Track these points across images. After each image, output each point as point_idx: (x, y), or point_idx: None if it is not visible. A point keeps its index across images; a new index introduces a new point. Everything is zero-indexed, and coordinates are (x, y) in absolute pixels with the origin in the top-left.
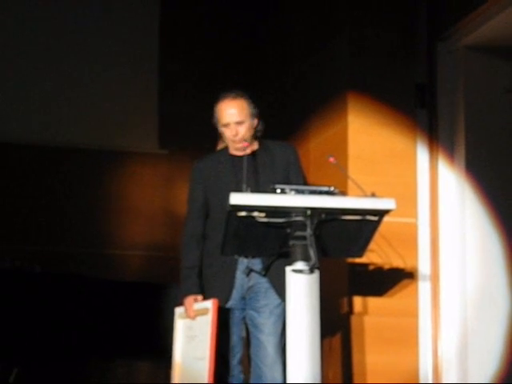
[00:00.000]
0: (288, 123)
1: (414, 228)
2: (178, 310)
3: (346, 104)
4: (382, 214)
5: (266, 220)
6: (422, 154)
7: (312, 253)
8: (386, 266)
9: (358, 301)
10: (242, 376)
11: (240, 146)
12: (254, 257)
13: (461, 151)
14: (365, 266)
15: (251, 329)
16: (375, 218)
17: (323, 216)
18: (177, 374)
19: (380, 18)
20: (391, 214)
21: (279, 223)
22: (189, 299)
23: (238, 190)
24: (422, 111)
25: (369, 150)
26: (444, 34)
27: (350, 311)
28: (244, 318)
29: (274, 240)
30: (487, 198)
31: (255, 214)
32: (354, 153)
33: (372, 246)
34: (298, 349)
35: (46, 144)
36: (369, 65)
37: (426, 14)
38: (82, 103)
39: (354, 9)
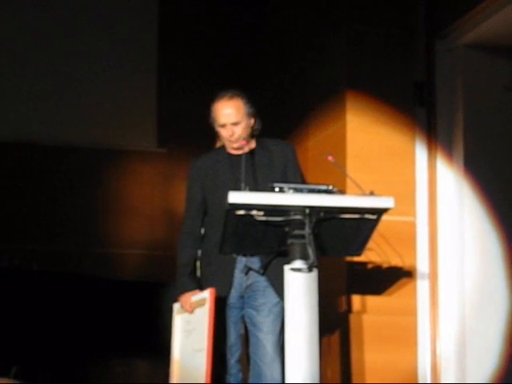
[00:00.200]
0: (286, 121)
1: (412, 226)
2: (176, 306)
3: (345, 102)
4: (380, 212)
5: (264, 219)
6: (421, 153)
7: (310, 251)
8: (385, 265)
9: (356, 299)
10: (240, 375)
11: (237, 145)
12: (252, 255)
13: (459, 149)
14: (363, 264)
15: (250, 327)
16: (374, 217)
17: (322, 214)
18: (175, 371)
19: (378, 16)
20: (390, 212)
21: (278, 222)
22: (185, 296)
23: (237, 188)
24: (420, 109)
25: (367, 149)
26: (443, 32)
27: (349, 310)
28: (243, 317)
29: (272, 239)
30: (486, 197)
31: (254, 212)
32: (352, 151)
33: (370, 244)
34: (296, 347)
35: (45, 143)
36: (367, 63)
37: (424, 12)
38: (80, 102)
39: (352, 6)
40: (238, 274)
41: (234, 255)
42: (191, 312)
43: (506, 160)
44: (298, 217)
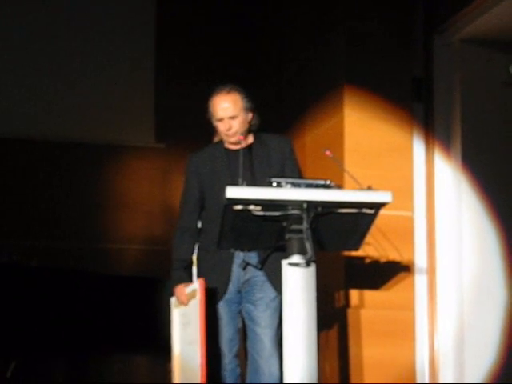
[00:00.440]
0: (285, 116)
1: (410, 221)
2: (173, 300)
3: (343, 97)
4: (378, 207)
5: (262, 213)
6: (419, 148)
7: (308, 246)
8: (383, 260)
9: (354, 294)
10: (238, 369)
11: (234, 140)
12: (250, 250)
13: (457, 144)
14: (361, 259)
15: (248, 322)
16: (371, 211)
17: (319, 209)
18: (176, 365)
19: (377, 12)
20: (387, 207)
21: (275, 217)
22: (179, 287)
23: (234, 183)
24: (418, 105)
25: (365, 144)
26: (440, 27)
27: (347, 304)
28: (240, 312)
29: (270, 233)
30: (483, 192)
31: (251, 207)
32: (350, 146)
33: (368, 239)
34: (294, 342)
35: (43, 139)
36: (365, 58)
37: (422, 8)
38: (78, 98)
39: (350, 3)
40: (236, 269)
41: (232, 250)
42: (186, 304)
43: (504, 155)
44: (296, 211)
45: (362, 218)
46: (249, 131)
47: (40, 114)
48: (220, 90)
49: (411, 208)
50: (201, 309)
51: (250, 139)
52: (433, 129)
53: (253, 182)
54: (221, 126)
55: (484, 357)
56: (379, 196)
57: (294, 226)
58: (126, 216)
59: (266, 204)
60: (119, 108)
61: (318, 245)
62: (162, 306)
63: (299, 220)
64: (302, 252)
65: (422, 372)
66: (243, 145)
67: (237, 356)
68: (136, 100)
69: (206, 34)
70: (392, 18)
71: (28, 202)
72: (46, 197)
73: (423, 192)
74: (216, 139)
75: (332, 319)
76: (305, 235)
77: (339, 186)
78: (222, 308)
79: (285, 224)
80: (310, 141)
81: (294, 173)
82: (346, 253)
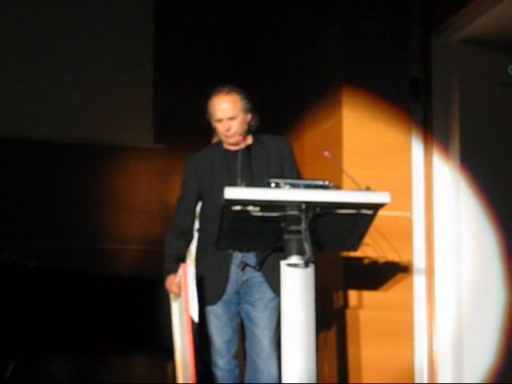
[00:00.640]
0: (283, 117)
1: (408, 222)
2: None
3: (341, 98)
4: (376, 207)
5: (260, 214)
6: (417, 148)
7: (307, 247)
8: (381, 260)
9: (352, 295)
10: (237, 370)
11: (233, 140)
12: (248, 251)
13: (455, 145)
14: (360, 259)
15: (246, 323)
16: (370, 212)
17: (318, 210)
18: (178, 362)
19: (375, 12)
20: (386, 207)
21: (274, 217)
22: (169, 278)
23: (232, 184)
24: (416, 105)
25: (363, 144)
26: (438, 27)
27: (345, 305)
28: (239, 313)
29: (268, 234)
30: (482, 192)
31: (250, 208)
32: (348, 147)
33: (367, 239)
34: (293, 343)
35: (42, 139)
36: (363, 59)
37: (420, 8)
38: (77, 99)
39: (348, 3)
40: (234, 270)
41: (230, 251)
42: (179, 294)
43: (502, 155)
44: (295, 212)
45: (360, 218)
46: (248, 132)
47: (39, 115)
48: (219, 91)
49: (410, 208)
50: (184, 292)
51: (249, 140)
52: (431, 129)
53: (251, 182)
54: (220, 127)
55: (483, 357)
56: (378, 197)
57: (293, 227)
58: (125, 216)
59: (265, 205)
60: (118, 109)
61: (317, 245)
62: (161, 306)
63: (298, 221)
64: (301, 253)
65: (421, 372)
66: (242, 146)
67: (235, 357)
68: (135, 101)
69: (205, 36)
70: (390, 18)
71: (27, 203)
72: (45, 197)
73: (422, 192)
74: (214, 140)
75: (331, 320)
76: (303, 236)
77: (338, 187)
78: (221, 309)
79: (283, 225)
80: (308, 141)
81: (293, 174)
82: (345, 253)
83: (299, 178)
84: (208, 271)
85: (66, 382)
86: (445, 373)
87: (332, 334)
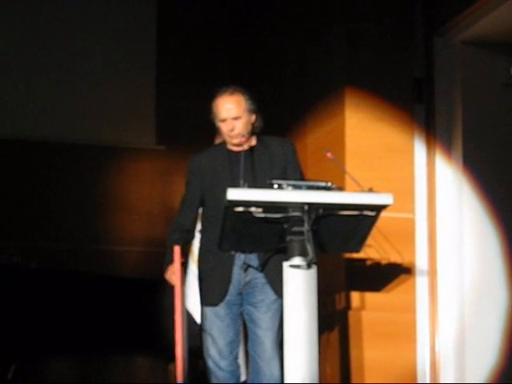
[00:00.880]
0: (285, 118)
1: (411, 223)
2: None
3: (344, 99)
4: (379, 209)
5: (263, 215)
6: (420, 149)
7: (309, 248)
8: (384, 262)
9: (355, 296)
10: (239, 371)
11: (237, 141)
12: (251, 252)
13: (458, 146)
14: (362, 261)
15: (249, 324)
16: (373, 213)
17: (320, 211)
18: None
19: (377, 13)
20: (388, 209)
21: (276, 218)
22: (169, 269)
23: (235, 185)
24: (419, 106)
25: (366, 145)
26: (441, 28)
27: (348, 306)
28: (241, 314)
29: (271, 235)
30: (484, 193)
31: (252, 209)
32: (351, 148)
33: (369, 241)
34: (295, 344)
35: (43, 140)
36: (366, 60)
37: (423, 9)
38: (79, 99)
39: (351, 3)
40: (237, 271)
41: (233, 252)
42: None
43: (505, 156)
44: (297, 213)
45: (363, 220)
46: (251, 133)
47: (40, 116)
48: (224, 91)
49: (412, 210)
50: (176, 274)
51: (253, 141)
52: (434, 130)
53: (254, 184)
54: (224, 127)
55: (485, 358)
56: (380, 198)
57: (295, 228)
58: (127, 218)
59: (267, 206)
60: (120, 110)
61: (319, 247)
62: (162, 308)
63: (300, 222)
64: (303, 254)
65: (423, 374)
66: (245, 147)
67: (238, 358)
68: (137, 102)
69: (207, 37)
70: (393, 19)
71: (28, 204)
72: (46, 198)
73: (424, 194)
74: (217, 141)
75: (333, 321)
76: (306, 237)
77: (340, 188)
78: (223, 310)
79: (286, 226)
80: (311, 143)
81: (296, 176)
82: (347, 255)
83: (302, 179)
84: (210, 272)
85: (68, 383)
86: (447, 374)
87: (334, 336)
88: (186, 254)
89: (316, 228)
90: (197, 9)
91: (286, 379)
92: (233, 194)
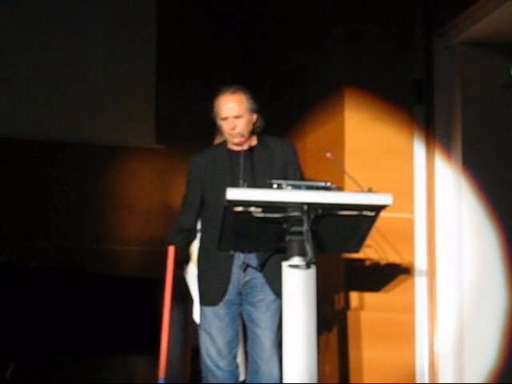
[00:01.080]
0: (285, 118)
1: (410, 223)
2: None
3: (343, 99)
4: (378, 209)
5: (262, 215)
6: (419, 150)
7: (308, 248)
8: (383, 262)
9: (354, 296)
10: (237, 371)
11: (237, 140)
12: (250, 252)
13: (458, 147)
14: (361, 261)
15: (248, 324)
16: (372, 214)
17: (320, 211)
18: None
19: (377, 14)
20: (388, 209)
21: (276, 218)
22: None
23: (235, 185)
24: (419, 107)
25: (366, 146)
26: (441, 29)
27: (347, 306)
28: (240, 313)
29: (270, 235)
30: (484, 194)
31: (252, 209)
32: (350, 148)
33: (368, 241)
34: (294, 344)
35: (44, 139)
36: (366, 60)
37: (422, 10)
38: (78, 98)
39: (351, 4)
40: (236, 271)
41: (232, 252)
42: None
43: (504, 157)
44: (296, 213)
45: (362, 220)
46: (252, 133)
47: (40, 115)
48: (226, 90)
49: (411, 210)
50: (168, 274)
51: (254, 141)
52: (433, 131)
53: (254, 183)
54: (225, 125)
55: (484, 359)
56: (380, 198)
57: (295, 228)
58: (126, 217)
59: (267, 206)
60: (120, 109)
61: (319, 247)
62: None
63: (299, 222)
64: (303, 254)
65: (422, 374)
66: (245, 147)
67: (236, 357)
68: (137, 101)
69: (208, 37)
70: (392, 20)
71: (27, 203)
72: (46, 197)
73: (424, 194)
74: (216, 141)
75: (332, 321)
76: (305, 237)
77: (340, 188)
78: (222, 309)
79: (285, 226)
80: (310, 143)
81: (297, 176)
82: (347, 255)
83: (303, 179)
84: (210, 272)
85: (67, 382)
86: (446, 374)
87: (333, 336)
88: (188, 254)
89: (315, 228)
90: (196, 9)
91: (285, 379)
92: (232, 193)
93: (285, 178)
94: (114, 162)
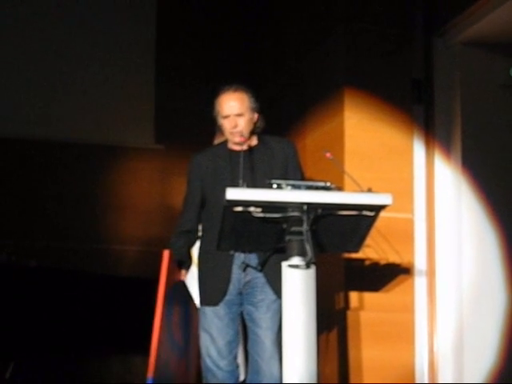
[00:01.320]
0: (285, 118)
1: (410, 223)
2: None
3: (343, 99)
4: (378, 209)
5: (262, 215)
6: (419, 150)
7: (308, 248)
8: (383, 262)
9: (354, 296)
10: (238, 371)
11: (238, 140)
12: (250, 252)
13: (457, 147)
14: (361, 261)
15: (249, 324)
16: (371, 214)
17: (319, 211)
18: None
19: (377, 14)
20: (387, 209)
21: (275, 218)
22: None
23: (235, 185)
24: (418, 107)
25: (365, 146)
26: (441, 29)
27: (346, 306)
28: (241, 313)
29: (270, 235)
30: (483, 194)
31: (251, 209)
32: (350, 148)
33: (368, 241)
34: (294, 344)
35: (42, 139)
36: (365, 60)
37: (422, 10)
38: (77, 98)
39: (350, 4)
40: (236, 270)
41: (232, 252)
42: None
43: (504, 157)
44: (296, 213)
45: (362, 220)
46: (253, 133)
47: (40, 115)
48: (227, 89)
49: (411, 210)
50: (161, 278)
51: (254, 141)
52: (433, 131)
53: (254, 183)
54: (227, 124)
55: (483, 359)
56: (379, 198)
57: (294, 228)
58: (125, 217)
59: (266, 206)
60: (119, 109)
61: (318, 247)
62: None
63: (299, 222)
64: (302, 254)
65: (422, 374)
66: (244, 147)
67: (236, 357)
68: (136, 101)
69: (207, 37)
70: (392, 20)
71: (26, 202)
72: (45, 197)
73: (423, 194)
74: (216, 141)
75: (332, 321)
76: (305, 237)
77: (339, 188)
78: (223, 309)
79: (285, 226)
80: (310, 143)
81: (297, 176)
82: (346, 255)
83: (303, 179)
84: (210, 272)
85: (66, 382)
86: (445, 374)
87: (333, 336)
88: (190, 259)
89: (315, 228)
90: (196, 9)
91: (285, 379)
92: (232, 193)
93: (285, 178)
94: (114, 161)
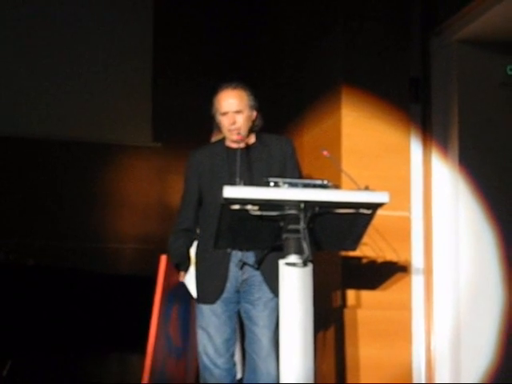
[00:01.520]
0: (282, 116)
1: (407, 221)
2: None
3: (340, 98)
4: (375, 207)
5: (259, 213)
6: (416, 148)
7: (305, 246)
8: (380, 260)
9: (351, 294)
10: (235, 369)
11: (235, 137)
12: (247, 250)
13: (454, 145)
14: (358, 259)
15: (246, 321)
16: (369, 212)
17: (317, 209)
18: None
19: (374, 12)
20: (385, 207)
21: (273, 216)
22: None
23: (232, 182)
24: (415, 105)
25: (362, 144)
26: (438, 28)
27: (344, 304)
28: (238, 311)
29: (267, 233)
30: (481, 192)
31: (248, 207)
32: (347, 146)
33: (365, 239)
34: (291, 342)
35: (40, 138)
36: (363, 59)
37: (419, 8)
38: (75, 97)
39: (347, 3)
40: (233, 268)
41: (229, 250)
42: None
43: (501, 155)
44: (293, 211)
45: (359, 218)
46: (251, 131)
47: (39, 114)
48: (226, 86)
49: (408, 208)
50: (158, 283)
51: (252, 139)
52: (430, 129)
53: (251, 181)
54: (225, 121)
55: (480, 357)
56: (376, 196)
57: (291, 226)
58: (123, 215)
59: (264, 204)
60: (116, 107)
61: (315, 245)
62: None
63: (296, 220)
64: (299, 252)
65: (419, 372)
66: (242, 145)
67: (234, 355)
68: (133, 99)
69: (205, 36)
70: (390, 18)
71: (24, 201)
72: (43, 196)
73: (420, 192)
74: (214, 138)
75: (329, 319)
76: (302, 235)
77: (336, 186)
78: (220, 307)
79: (282, 224)
80: (307, 141)
81: (295, 173)
82: (343, 253)
83: (301, 177)
84: (207, 270)
85: (63, 381)
86: (443, 373)
87: (330, 334)
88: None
89: (312, 226)
90: (194, 7)
91: (282, 378)
92: (229, 191)
93: (283, 176)
94: (111, 160)
